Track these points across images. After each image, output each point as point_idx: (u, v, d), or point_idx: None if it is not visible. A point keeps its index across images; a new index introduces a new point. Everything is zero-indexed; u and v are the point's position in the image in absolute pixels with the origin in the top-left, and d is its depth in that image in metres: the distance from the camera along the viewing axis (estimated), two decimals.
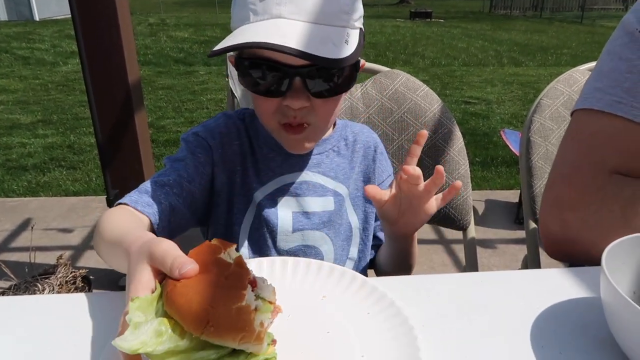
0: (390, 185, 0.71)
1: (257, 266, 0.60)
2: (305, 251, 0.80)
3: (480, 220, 2.87)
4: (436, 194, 0.71)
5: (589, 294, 0.57)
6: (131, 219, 0.65)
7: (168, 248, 0.44)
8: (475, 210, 3.05)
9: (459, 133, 1.13)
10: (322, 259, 0.80)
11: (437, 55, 9.06)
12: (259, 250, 0.79)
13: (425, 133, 0.69)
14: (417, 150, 0.69)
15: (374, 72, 1.18)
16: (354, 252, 0.85)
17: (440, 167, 0.64)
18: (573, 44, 10.72)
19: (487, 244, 2.57)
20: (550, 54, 9.22)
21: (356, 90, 1.16)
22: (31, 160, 3.83)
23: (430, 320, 0.53)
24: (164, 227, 0.69)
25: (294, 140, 0.74)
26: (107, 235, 0.59)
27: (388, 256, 0.85)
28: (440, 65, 8.06)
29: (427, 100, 1.12)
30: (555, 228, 0.68)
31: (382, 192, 0.70)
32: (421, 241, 2.50)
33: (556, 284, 0.60)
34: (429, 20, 17.10)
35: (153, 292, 0.42)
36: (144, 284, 0.43)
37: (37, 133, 4.48)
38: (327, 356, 0.46)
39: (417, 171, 0.66)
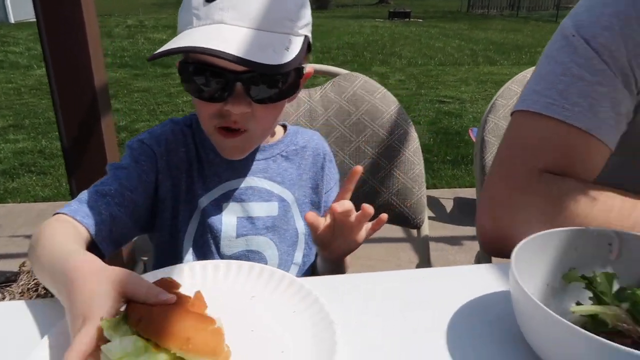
0: (325, 215, 0.73)
1: (190, 270, 0.61)
2: (249, 256, 0.81)
3: (449, 218, 2.91)
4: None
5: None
6: (68, 233, 0.64)
7: (138, 278, 0.49)
8: (444, 208, 3.09)
9: (415, 134, 1.15)
10: (266, 263, 0.81)
11: (414, 55, 9.14)
12: (203, 256, 0.80)
13: (359, 169, 0.72)
14: (351, 186, 0.73)
15: (333, 75, 1.20)
16: (299, 257, 0.86)
17: (366, 205, 0.68)
18: (547, 42, 10.90)
19: (454, 241, 2.61)
20: (524, 53, 9.37)
21: (315, 93, 1.18)
22: (0, 166, 3.76)
23: (364, 318, 0.55)
24: (105, 238, 0.69)
25: (229, 145, 0.75)
26: (45, 254, 0.58)
27: (322, 268, 0.87)
28: (417, 65, 8.14)
29: (384, 102, 1.14)
30: (489, 225, 0.70)
31: (320, 219, 0.72)
32: (388, 239, 2.54)
33: (496, 277, 0.62)
34: (408, 20, 17.24)
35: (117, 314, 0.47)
36: (110, 306, 0.46)
37: (7, 138, 4.40)
38: (248, 353, 0.48)
39: (347, 206, 0.68)
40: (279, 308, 0.54)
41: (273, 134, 0.87)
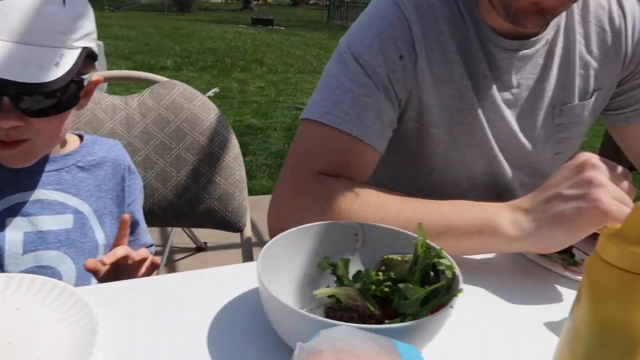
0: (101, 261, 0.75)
1: None
2: (40, 272, 0.77)
3: None
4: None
5: None
6: None
7: None
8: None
9: (235, 141, 1.20)
10: (60, 278, 0.79)
11: (275, 62, 9.34)
12: None
13: (126, 218, 0.81)
14: (125, 232, 0.82)
15: (152, 82, 1.20)
16: None
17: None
18: None
19: None
20: None
21: (133, 100, 1.16)
22: None
23: (136, 321, 0.57)
24: None
25: (8, 155, 0.72)
26: None
27: None
28: (277, 72, 8.33)
29: (204, 110, 1.17)
30: (276, 226, 0.77)
31: (99, 265, 0.74)
32: (227, 245, 2.54)
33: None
34: (271, 27, 17.54)
35: None
36: None
37: None
38: None
39: (118, 254, 0.74)
40: (45, 317, 0.54)
41: (64, 144, 0.84)
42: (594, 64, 0.88)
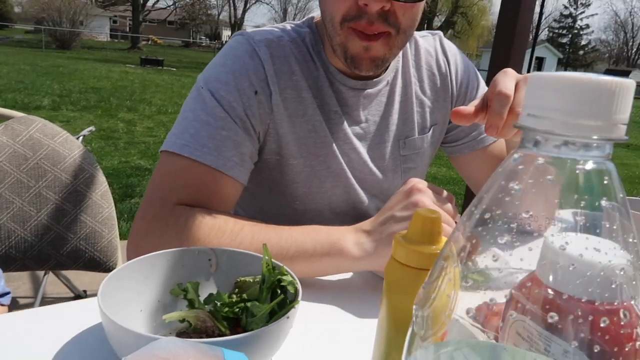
0: None
1: None
2: None
3: None
4: None
5: None
6: None
7: None
8: None
9: (103, 177, 1.17)
10: None
11: (165, 102, 9.13)
12: None
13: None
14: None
15: (6, 118, 1.13)
16: None
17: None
18: None
19: None
20: None
21: None
22: None
23: None
24: None
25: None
26: None
27: None
28: (167, 112, 8.14)
29: (66, 146, 1.13)
30: (133, 256, 0.76)
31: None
32: None
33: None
34: (161, 68, 17.21)
35: None
36: None
37: None
38: None
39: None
40: None
41: None
42: (428, 102, 1.00)
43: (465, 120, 0.69)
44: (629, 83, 0.20)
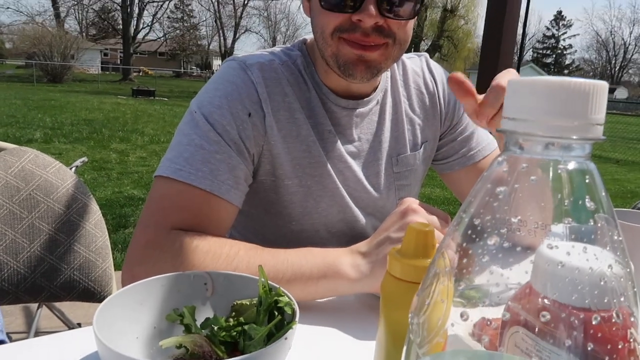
0: None
1: None
2: None
3: None
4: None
5: None
6: None
7: None
8: None
9: (96, 207, 1.16)
10: None
11: (157, 132, 9.16)
12: None
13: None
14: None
15: None
16: None
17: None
18: None
19: None
20: None
21: None
22: None
23: None
24: None
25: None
26: None
27: None
28: (159, 142, 8.16)
29: (59, 176, 1.13)
30: (128, 282, 0.76)
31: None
32: None
33: None
34: (152, 98, 17.31)
35: None
36: None
37: None
38: None
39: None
40: None
41: None
42: (418, 120, 1.02)
43: (460, 89, 0.67)
44: (602, 84, 0.21)
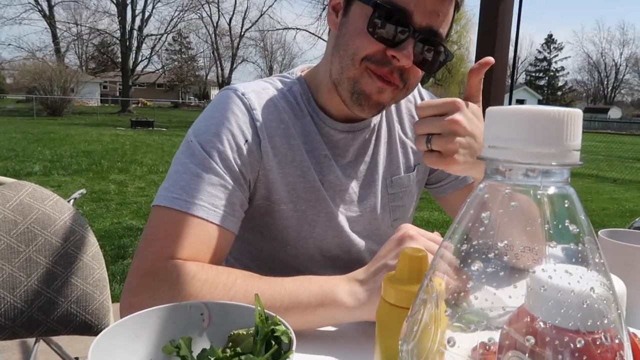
0: None
1: None
2: None
3: None
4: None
5: None
6: None
7: None
8: None
9: (93, 239, 1.16)
10: None
11: (156, 162, 9.20)
12: None
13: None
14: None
15: None
16: None
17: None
18: None
19: None
20: None
21: None
22: None
23: None
24: None
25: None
26: None
27: None
28: (158, 172, 8.18)
29: (56, 209, 1.13)
30: (126, 313, 0.75)
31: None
32: None
33: None
34: (151, 129, 17.44)
35: None
36: None
37: None
38: None
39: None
40: None
41: None
42: (410, 143, 1.04)
43: (480, 70, 0.79)
44: (576, 112, 0.22)
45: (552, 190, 0.23)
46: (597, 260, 0.23)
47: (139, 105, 38.72)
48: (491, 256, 0.25)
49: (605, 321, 0.22)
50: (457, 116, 0.75)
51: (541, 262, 0.23)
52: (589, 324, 0.22)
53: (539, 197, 0.22)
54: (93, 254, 1.14)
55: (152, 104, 37.66)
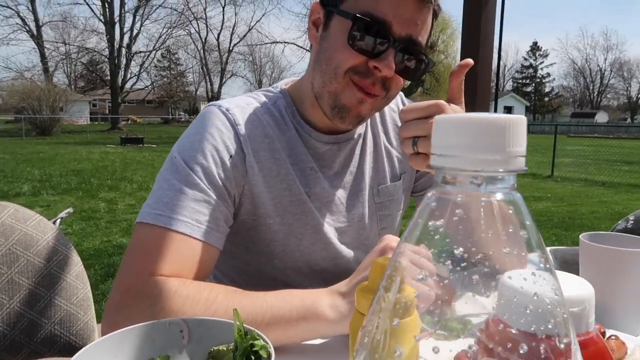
0: None
1: None
2: None
3: None
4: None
5: None
6: None
7: None
8: None
9: (77, 258, 1.15)
10: None
11: (146, 179, 9.16)
12: None
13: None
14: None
15: None
16: None
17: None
18: None
19: None
20: None
21: None
22: None
23: None
24: None
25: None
26: None
27: None
28: (148, 188, 8.12)
29: (39, 230, 1.12)
30: (107, 330, 0.74)
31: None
32: None
33: None
34: (141, 145, 17.38)
35: None
36: None
37: None
38: None
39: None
40: None
41: None
42: (395, 152, 1.05)
43: (460, 72, 0.81)
44: (519, 119, 0.22)
45: (498, 196, 0.23)
46: (542, 264, 0.23)
47: (129, 122, 38.66)
48: (448, 263, 0.25)
49: (550, 326, 0.22)
50: None
51: (493, 268, 0.24)
52: (532, 328, 0.22)
53: (484, 204, 0.22)
54: (77, 274, 1.13)
55: (142, 120, 37.61)
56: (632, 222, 1.11)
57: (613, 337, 0.69)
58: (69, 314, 1.10)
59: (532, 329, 0.23)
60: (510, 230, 0.22)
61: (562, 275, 0.38)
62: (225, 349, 0.61)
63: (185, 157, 0.85)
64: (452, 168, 0.23)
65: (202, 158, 0.84)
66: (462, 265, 0.24)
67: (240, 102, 0.94)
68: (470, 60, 0.80)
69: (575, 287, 0.36)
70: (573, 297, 0.35)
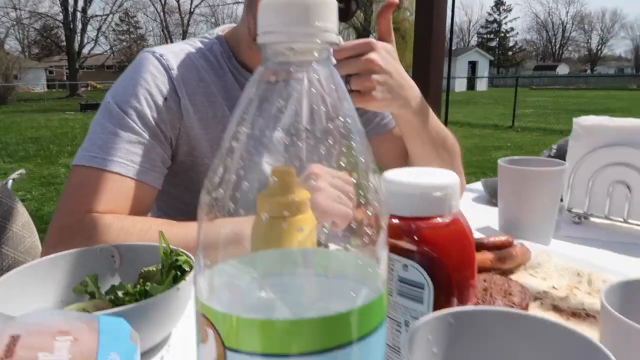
0: None
1: None
2: None
3: None
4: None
5: None
6: None
7: None
8: None
9: (23, 209, 1.16)
10: None
11: None
12: None
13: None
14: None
15: None
16: None
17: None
18: None
19: None
20: None
21: None
22: None
23: None
24: None
25: None
26: None
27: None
28: None
29: None
30: None
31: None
32: None
33: None
34: None
35: None
36: None
37: None
38: None
39: None
40: None
41: None
42: None
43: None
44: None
45: (315, 68, 0.27)
46: (358, 139, 0.27)
47: (89, 88, 37.21)
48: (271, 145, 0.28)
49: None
50: (372, 55, 0.79)
51: (301, 147, 0.27)
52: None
53: (300, 76, 0.26)
54: (23, 223, 1.14)
55: (102, 86, 36.24)
56: (555, 150, 1.18)
57: (519, 245, 0.76)
58: (17, 262, 1.12)
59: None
60: (319, 106, 0.26)
61: (433, 170, 0.43)
62: (155, 269, 0.65)
63: (118, 102, 0.86)
64: (271, 42, 0.26)
65: (135, 102, 0.86)
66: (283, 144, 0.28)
67: (174, 48, 0.95)
68: (395, 0, 0.83)
69: (440, 177, 0.41)
70: (436, 184, 0.39)
